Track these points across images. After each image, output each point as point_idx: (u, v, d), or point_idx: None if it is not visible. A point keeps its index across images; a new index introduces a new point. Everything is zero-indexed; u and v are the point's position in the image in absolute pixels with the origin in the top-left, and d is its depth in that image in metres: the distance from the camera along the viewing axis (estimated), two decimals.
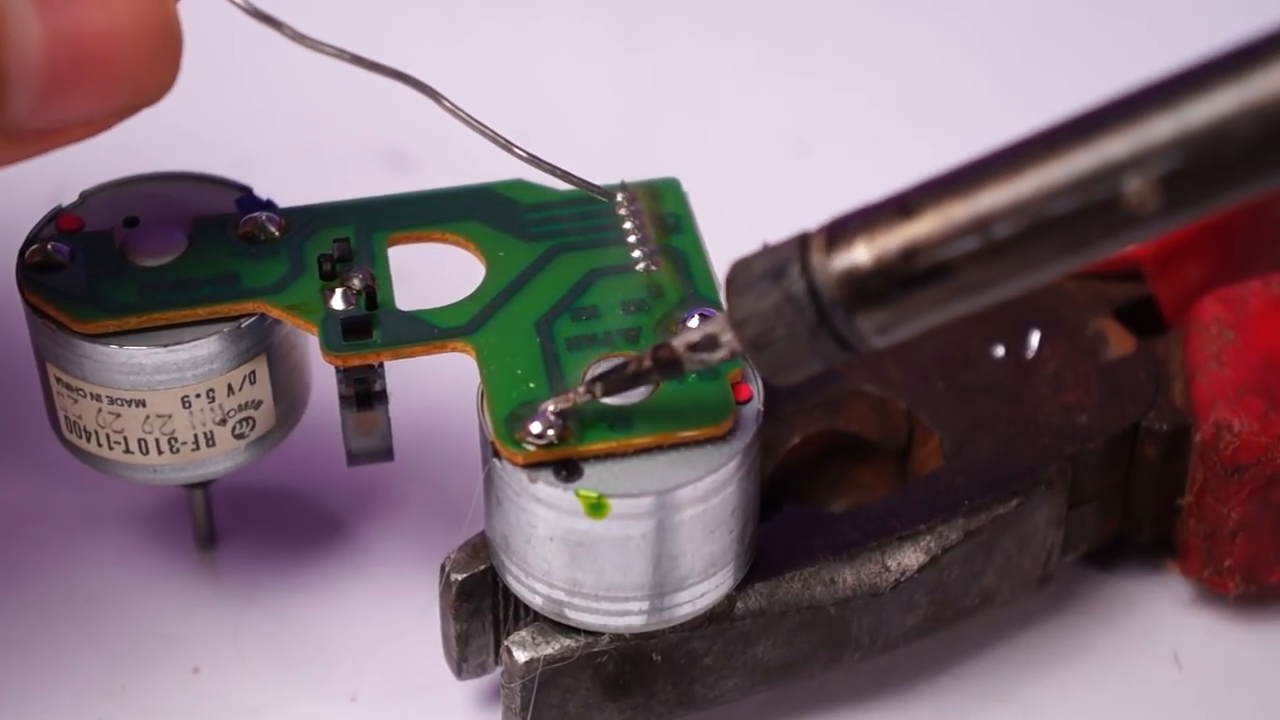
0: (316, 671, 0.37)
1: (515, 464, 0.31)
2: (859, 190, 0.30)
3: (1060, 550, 0.36)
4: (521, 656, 0.33)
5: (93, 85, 0.30)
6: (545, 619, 0.33)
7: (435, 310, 0.34)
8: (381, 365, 0.34)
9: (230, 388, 0.34)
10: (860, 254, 0.28)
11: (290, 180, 0.37)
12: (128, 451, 0.34)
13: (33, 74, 0.29)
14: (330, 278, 0.34)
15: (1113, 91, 0.27)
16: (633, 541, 0.31)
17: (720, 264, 0.32)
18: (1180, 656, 0.37)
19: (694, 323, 0.33)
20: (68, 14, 0.29)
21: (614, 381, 0.31)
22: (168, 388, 0.33)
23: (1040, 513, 0.35)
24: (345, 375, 0.34)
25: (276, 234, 0.34)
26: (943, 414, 0.36)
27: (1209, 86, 0.25)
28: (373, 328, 0.33)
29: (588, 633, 0.33)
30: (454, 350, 0.33)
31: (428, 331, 0.33)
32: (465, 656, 0.34)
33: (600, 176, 0.35)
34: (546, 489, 0.31)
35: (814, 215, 0.30)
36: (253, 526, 0.39)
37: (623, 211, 0.35)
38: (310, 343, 0.35)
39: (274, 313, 0.33)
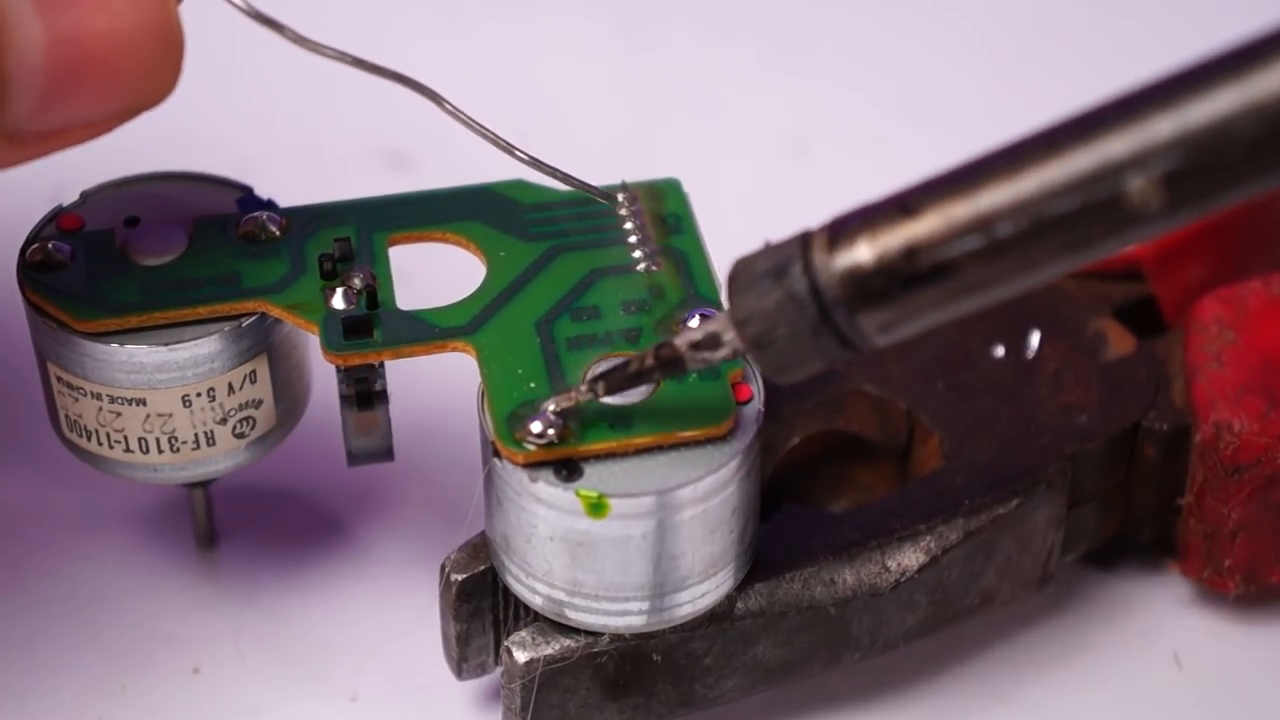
0: (316, 671, 0.37)
1: (515, 463, 0.31)
2: (859, 190, 0.30)
3: (1060, 550, 0.36)
4: (521, 657, 0.33)
5: (94, 88, 0.30)
6: (545, 619, 0.33)
7: (436, 310, 0.34)
8: (382, 365, 0.34)
9: (231, 387, 0.34)
10: (862, 253, 0.28)
11: (290, 181, 0.37)
12: (128, 450, 0.34)
13: (33, 76, 0.29)
14: (331, 277, 0.34)
15: (1113, 91, 0.27)
16: (633, 541, 0.31)
17: (720, 264, 0.32)
18: (1180, 656, 0.37)
19: (695, 323, 0.33)
20: (69, 16, 0.29)
21: (616, 380, 0.31)
22: (168, 386, 0.33)
23: (1040, 513, 0.35)
24: (346, 375, 0.34)
25: (277, 234, 0.34)
26: (943, 414, 0.36)
27: (1211, 86, 0.25)
28: (373, 327, 0.33)
29: (588, 633, 0.33)
30: (455, 350, 0.33)
31: (428, 331, 0.33)
32: (465, 657, 0.34)
33: (600, 177, 0.35)
34: (547, 488, 0.31)
35: (814, 215, 0.30)
36: (253, 526, 0.39)
37: (623, 212, 0.35)
38: (311, 343, 0.35)
39: (275, 312, 0.33)
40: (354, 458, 0.35)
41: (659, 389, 0.32)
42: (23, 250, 0.34)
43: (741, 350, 0.30)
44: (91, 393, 0.33)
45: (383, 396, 0.34)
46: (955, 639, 0.37)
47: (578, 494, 0.31)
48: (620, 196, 0.35)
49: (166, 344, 0.33)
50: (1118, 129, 0.26)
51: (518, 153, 0.33)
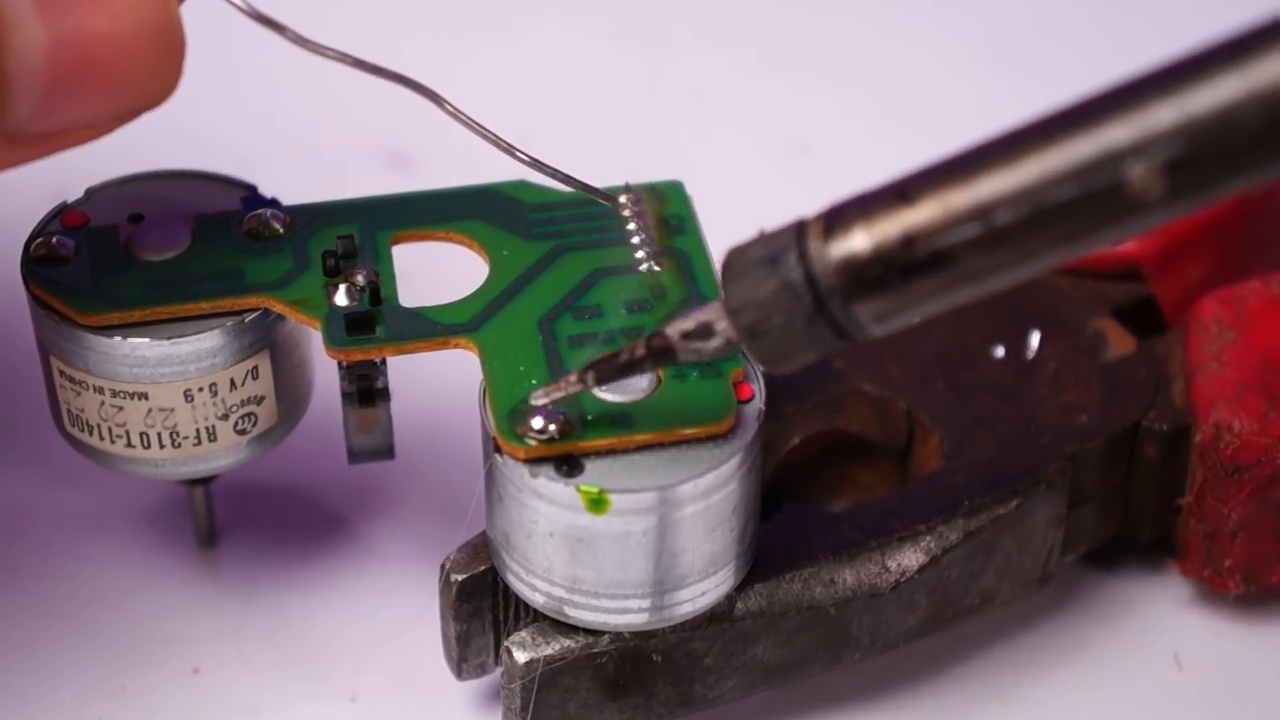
0: (316, 671, 0.37)
1: (517, 459, 0.31)
2: (859, 190, 0.30)
3: (1060, 550, 0.36)
4: (521, 657, 0.33)
5: (94, 89, 0.30)
6: (545, 619, 0.33)
7: (438, 307, 0.34)
8: (384, 362, 0.34)
9: (233, 382, 0.34)
10: (859, 241, 0.28)
11: (291, 181, 0.37)
12: (129, 445, 0.34)
13: (34, 77, 0.29)
14: (334, 274, 0.34)
15: (1114, 79, 0.27)
16: (633, 538, 0.31)
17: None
18: (1180, 656, 0.37)
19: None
20: (70, 17, 0.29)
21: (607, 370, 0.31)
22: (170, 381, 0.33)
23: (1040, 513, 0.35)
24: (347, 371, 0.34)
25: (281, 231, 0.35)
26: (943, 414, 0.36)
27: (1212, 73, 0.25)
28: (376, 323, 0.33)
29: (588, 633, 0.33)
30: (457, 346, 0.33)
31: (431, 328, 0.33)
32: (465, 657, 0.34)
33: (600, 176, 0.35)
34: (548, 484, 0.31)
35: None
36: (253, 525, 0.39)
37: (626, 212, 0.35)
38: (313, 341, 0.35)
39: (278, 308, 0.33)
40: (355, 456, 0.35)
41: (660, 387, 0.32)
42: (27, 245, 0.34)
43: (734, 339, 0.30)
44: (94, 387, 0.33)
45: (384, 394, 0.34)
46: (955, 639, 0.37)
47: (578, 489, 0.31)
48: (623, 198, 0.35)
49: (169, 338, 0.33)
50: (1119, 116, 0.26)
51: (518, 154, 0.33)
